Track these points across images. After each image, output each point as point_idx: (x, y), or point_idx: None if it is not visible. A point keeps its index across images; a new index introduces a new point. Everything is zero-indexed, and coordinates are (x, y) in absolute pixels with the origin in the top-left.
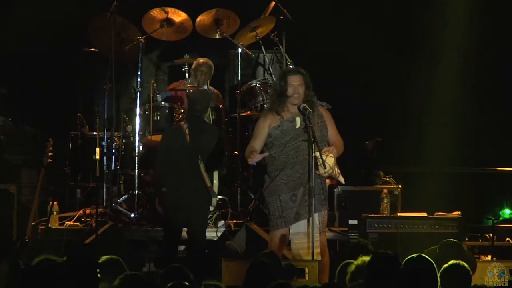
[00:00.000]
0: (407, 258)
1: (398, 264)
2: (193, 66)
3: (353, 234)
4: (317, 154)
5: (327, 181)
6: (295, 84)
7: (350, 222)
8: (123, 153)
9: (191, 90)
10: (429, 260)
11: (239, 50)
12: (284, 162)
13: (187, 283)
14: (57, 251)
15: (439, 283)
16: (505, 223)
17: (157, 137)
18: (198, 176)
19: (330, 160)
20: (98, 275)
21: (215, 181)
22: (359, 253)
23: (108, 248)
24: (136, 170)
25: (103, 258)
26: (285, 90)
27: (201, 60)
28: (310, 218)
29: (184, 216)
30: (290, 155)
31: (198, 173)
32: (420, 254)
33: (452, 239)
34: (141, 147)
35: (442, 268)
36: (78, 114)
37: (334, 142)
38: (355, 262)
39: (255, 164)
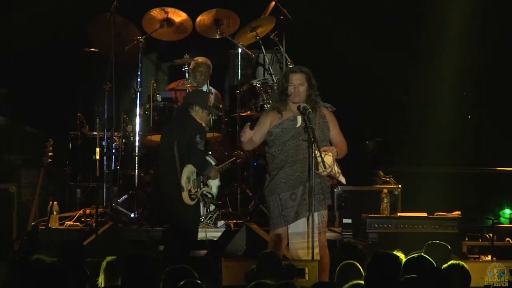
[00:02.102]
0: (407, 258)
1: (398, 264)
2: (191, 66)
3: (347, 233)
4: (316, 153)
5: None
6: (296, 83)
7: (344, 221)
8: (123, 153)
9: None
10: (430, 260)
11: (239, 50)
12: (284, 161)
13: (199, 281)
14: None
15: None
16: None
17: (157, 137)
18: (171, 168)
19: (328, 159)
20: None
21: (184, 176)
22: (348, 254)
23: (108, 248)
24: (136, 170)
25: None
26: (286, 89)
27: (199, 59)
28: (309, 218)
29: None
30: (290, 153)
31: (171, 165)
32: (420, 254)
33: (437, 241)
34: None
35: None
36: (78, 114)
37: (337, 144)
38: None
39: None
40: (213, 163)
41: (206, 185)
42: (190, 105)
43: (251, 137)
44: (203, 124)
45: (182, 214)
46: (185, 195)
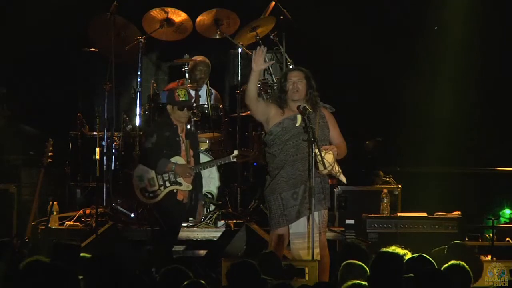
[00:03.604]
0: (408, 258)
1: (401, 263)
2: (189, 66)
3: (349, 233)
4: (316, 151)
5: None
6: (294, 79)
7: (347, 221)
8: (123, 153)
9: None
10: (429, 259)
11: (239, 50)
12: (284, 160)
13: (203, 282)
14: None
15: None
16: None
17: None
18: None
19: (329, 157)
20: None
21: (134, 176)
22: (352, 254)
23: (108, 248)
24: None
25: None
26: (285, 86)
27: (197, 58)
28: (310, 218)
29: None
30: (290, 153)
31: None
32: (420, 254)
33: (460, 241)
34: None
35: (442, 268)
36: (78, 114)
37: (336, 144)
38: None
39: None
40: (182, 162)
41: (177, 183)
42: (165, 108)
43: (256, 92)
44: (175, 121)
45: (154, 212)
46: (138, 193)
